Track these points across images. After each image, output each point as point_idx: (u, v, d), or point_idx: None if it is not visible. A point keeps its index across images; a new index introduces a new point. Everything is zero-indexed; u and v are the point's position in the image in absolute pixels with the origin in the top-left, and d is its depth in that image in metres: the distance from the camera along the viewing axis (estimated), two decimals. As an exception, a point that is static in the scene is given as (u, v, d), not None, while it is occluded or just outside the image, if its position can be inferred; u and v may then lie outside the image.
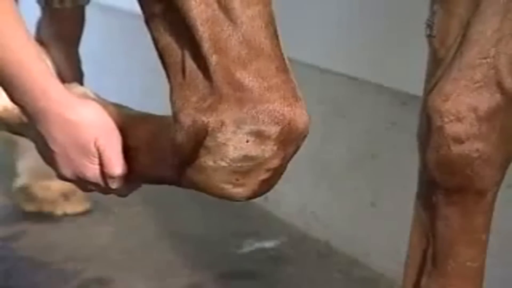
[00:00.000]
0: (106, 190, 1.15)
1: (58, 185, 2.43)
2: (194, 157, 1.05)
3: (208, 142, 1.03)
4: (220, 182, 1.06)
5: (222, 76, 1.01)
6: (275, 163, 1.05)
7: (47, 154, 1.13)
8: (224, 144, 1.03)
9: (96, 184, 1.14)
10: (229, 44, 1.01)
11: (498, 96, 1.32)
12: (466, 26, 1.33)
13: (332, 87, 2.32)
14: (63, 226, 2.40)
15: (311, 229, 2.36)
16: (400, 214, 1.95)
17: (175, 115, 1.05)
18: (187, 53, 1.03)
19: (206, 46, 1.01)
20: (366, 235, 2.21)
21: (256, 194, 1.09)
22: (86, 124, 1.09)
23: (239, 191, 1.07)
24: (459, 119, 1.33)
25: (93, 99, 1.16)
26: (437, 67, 1.38)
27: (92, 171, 1.12)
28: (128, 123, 1.14)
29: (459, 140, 1.33)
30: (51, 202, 2.44)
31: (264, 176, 1.06)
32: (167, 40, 1.05)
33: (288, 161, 1.08)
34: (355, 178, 2.25)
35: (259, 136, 1.03)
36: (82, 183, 1.15)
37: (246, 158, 1.03)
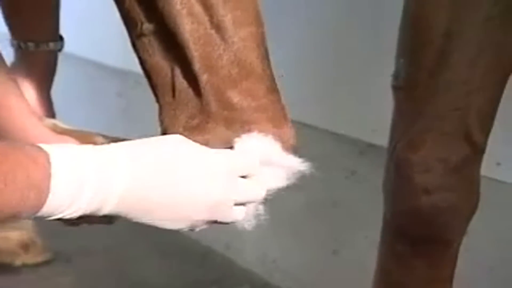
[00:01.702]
0: (91, 223, 1.13)
1: (17, 236, 2.40)
2: None
3: None
4: None
5: (212, 95, 1.02)
6: None
7: None
8: None
9: (79, 219, 1.12)
10: (220, 63, 1.02)
11: (466, 148, 1.34)
12: (434, 78, 1.34)
13: (292, 136, 2.33)
14: (23, 277, 2.38)
15: (272, 278, 2.36)
16: (361, 262, 1.96)
17: (163, 134, 1.04)
18: (177, 72, 1.03)
19: (197, 65, 1.01)
20: (328, 284, 2.21)
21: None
22: None
23: None
24: (428, 170, 1.34)
25: (65, 130, 1.15)
26: (403, 118, 1.39)
27: None
28: None
29: (428, 191, 1.34)
30: (10, 253, 2.41)
31: None
32: (156, 59, 1.04)
33: None
34: (316, 226, 2.26)
35: None
36: (65, 220, 1.13)
37: None
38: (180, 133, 1.01)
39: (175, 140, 0.96)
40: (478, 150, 1.35)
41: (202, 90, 1.02)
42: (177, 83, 1.03)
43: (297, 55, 2.29)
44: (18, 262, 2.42)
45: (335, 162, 2.22)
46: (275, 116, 1.04)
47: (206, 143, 1.01)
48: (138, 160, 0.90)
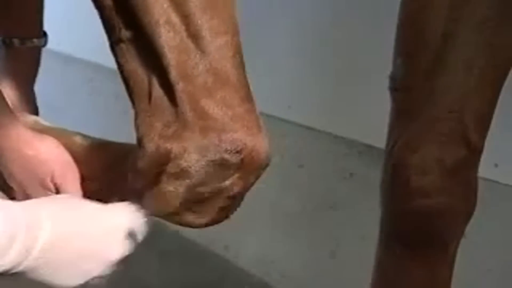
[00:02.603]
0: None
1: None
2: (155, 182, 1.05)
3: (170, 168, 1.03)
4: (179, 209, 1.06)
5: (188, 104, 1.02)
6: (235, 191, 1.06)
7: (7, 192, 1.13)
8: (186, 171, 1.03)
9: None
10: (196, 72, 1.02)
11: (463, 150, 1.34)
12: (431, 80, 1.34)
13: (289, 137, 2.34)
14: (23, 278, 2.37)
15: (271, 279, 2.36)
16: (359, 263, 1.97)
17: (139, 141, 1.05)
18: (153, 79, 1.04)
19: (173, 73, 1.02)
20: (326, 284, 2.21)
21: (214, 222, 1.09)
22: (42, 159, 1.09)
23: (197, 217, 1.07)
24: (425, 172, 1.34)
25: (45, 128, 1.15)
26: (401, 119, 1.39)
27: None
28: (86, 152, 1.13)
29: (425, 193, 1.34)
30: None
31: (223, 204, 1.07)
32: (133, 66, 1.05)
33: (247, 190, 1.09)
34: (314, 227, 2.26)
35: (221, 164, 1.03)
36: None
37: (206, 185, 1.04)
38: (156, 141, 1.03)
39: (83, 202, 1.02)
40: (475, 152, 1.35)
41: (178, 99, 1.02)
42: (153, 91, 1.04)
43: (296, 57, 2.30)
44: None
45: (333, 163, 2.22)
46: (250, 125, 1.05)
47: (183, 151, 1.02)
48: (58, 219, 0.95)
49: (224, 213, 1.09)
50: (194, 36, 1.02)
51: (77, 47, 3.09)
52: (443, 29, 1.32)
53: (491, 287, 1.84)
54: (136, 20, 1.02)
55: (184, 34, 1.02)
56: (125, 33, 1.05)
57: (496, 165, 1.78)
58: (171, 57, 1.02)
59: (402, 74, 1.38)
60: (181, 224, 1.09)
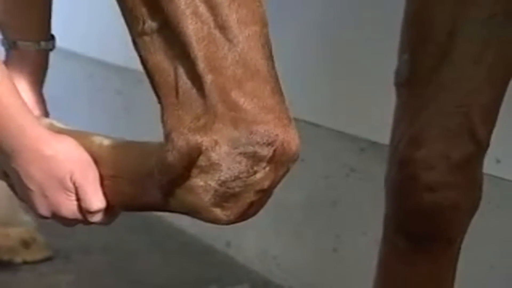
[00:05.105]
0: (87, 223, 1.13)
1: (17, 233, 2.40)
2: (185, 177, 1.03)
3: (201, 161, 1.01)
4: (208, 204, 1.04)
5: (217, 95, 1.00)
6: (265, 185, 1.04)
7: (24, 193, 1.11)
8: (217, 164, 1.01)
9: (76, 220, 1.12)
10: (225, 63, 1.00)
11: (470, 145, 1.34)
12: (438, 75, 1.34)
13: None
14: (23, 274, 2.38)
15: (273, 275, 2.36)
16: (361, 259, 1.96)
17: (167, 135, 1.03)
18: (180, 71, 1.02)
19: (201, 65, 1.00)
20: (328, 281, 2.21)
21: (242, 218, 1.07)
22: (61, 159, 1.07)
23: (227, 213, 1.05)
24: (432, 167, 1.33)
25: (62, 129, 1.14)
26: (406, 114, 1.39)
27: (69, 208, 1.09)
28: (106, 151, 1.11)
29: (431, 189, 1.34)
30: (10, 250, 2.41)
31: (253, 198, 1.05)
32: (158, 59, 1.03)
33: (277, 184, 1.07)
34: (316, 223, 2.26)
35: (253, 157, 1.02)
36: (62, 220, 1.12)
37: (237, 179, 1.02)
38: (186, 134, 1.01)
39: None
40: (481, 147, 1.35)
41: (207, 91, 1.01)
42: (180, 83, 1.02)
43: (297, 52, 2.29)
44: (18, 259, 2.42)
45: (335, 160, 2.22)
46: (281, 117, 1.03)
47: (214, 144, 1.00)
48: None
49: (253, 209, 1.06)
50: (222, 27, 1.00)
51: (78, 43, 3.09)
52: (450, 25, 1.32)
53: (493, 284, 1.84)
54: (161, 11, 1.01)
55: (212, 25, 1.00)
56: (150, 25, 1.02)
57: (498, 161, 1.78)
58: (199, 49, 1.00)
59: (408, 69, 1.38)
60: (208, 221, 1.06)
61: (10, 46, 1.29)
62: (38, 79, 1.32)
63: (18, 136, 1.06)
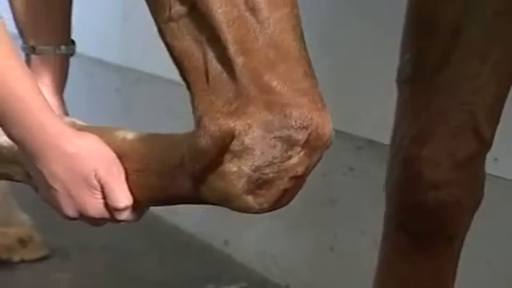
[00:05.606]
0: (115, 221, 1.11)
1: (15, 231, 2.40)
2: (218, 162, 1.00)
3: (234, 146, 0.99)
4: (241, 192, 1.01)
5: (249, 79, 0.98)
6: (299, 171, 1.02)
7: (48, 194, 1.09)
8: (251, 148, 0.99)
9: (103, 219, 1.10)
10: (256, 45, 0.98)
11: (474, 143, 1.34)
12: (442, 72, 1.33)
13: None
14: (20, 273, 2.38)
15: (271, 274, 2.36)
16: (359, 258, 1.97)
17: (198, 121, 1.00)
18: (210, 56, 1.00)
19: (232, 48, 0.98)
20: (326, 279, 2.21)
21: (276, 206, 1.04)
22: (84, 156, 1.06)
23: (259, 201, 1.02)
24: (437, 165, 1.33)
25: (84, 127, 1.12)
26: (409, 112, 1.38)
27: (96, 206, 1.08)
28: (131, 146, 1.09)
29: (435, 186, 1.33)
30: (8, 249, 2.41)
31: (286, 185, 1.02)
32: (186, 44, 1.01)
33: (311, 170, 1.04)
34: (314, 222, 2.26)
35: (287, 141, 0.99)
36: (89, 220, 1.11)
37: (271, 164, 1.00)
38: (218, 118, 0.98)
39: None
40: (485, 145, 1.35)
41: (238, 74, 0.98)
42: (210, 68, 1.00)
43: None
44: (16, 258, 2.42)
45: (333, 158, 2.22)
46: (315, 100, 1.00)
47: (247, 128, 0.98)
48: None
49: (286, 197, 1.04)
50: (252, 9, 0.99)
51: (78, 42, 3.09)
52: (455, 22, 1.31)
53: (490, 281, 1.84)
54: None
55: (242, 7, 0.99)
56: (177, 10, 1.00)
57: (495, 160, 1.78)
58: (228, 32, 0.98)
59: (412, 66, 1.37)
60: (239, 210, 1.03)
61: (30, 51, 1.29)
62: (58, 84, 1.31)
63: (39, 134, 1.05)
